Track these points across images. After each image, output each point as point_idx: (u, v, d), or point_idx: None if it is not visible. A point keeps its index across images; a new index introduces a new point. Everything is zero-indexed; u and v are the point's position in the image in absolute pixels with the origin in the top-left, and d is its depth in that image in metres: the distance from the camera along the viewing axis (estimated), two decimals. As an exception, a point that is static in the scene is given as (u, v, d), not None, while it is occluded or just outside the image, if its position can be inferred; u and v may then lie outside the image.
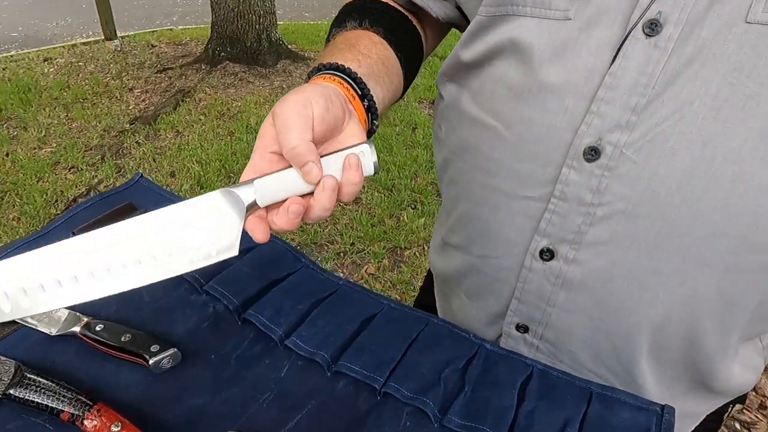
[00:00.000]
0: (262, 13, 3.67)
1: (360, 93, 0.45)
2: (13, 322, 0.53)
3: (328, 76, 0.45)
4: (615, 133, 0.42)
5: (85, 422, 0.42)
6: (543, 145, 0.45)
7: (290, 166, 0.39)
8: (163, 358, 0.48)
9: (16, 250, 0.64)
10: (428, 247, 2.12)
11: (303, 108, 0.39)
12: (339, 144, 0.42)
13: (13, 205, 2.34)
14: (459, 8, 0.57)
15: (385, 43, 0.54)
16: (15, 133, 2.98)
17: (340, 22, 0.57)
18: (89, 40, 4.62)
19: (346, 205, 2.36)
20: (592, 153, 0.43)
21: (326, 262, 2.05)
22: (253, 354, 0.53)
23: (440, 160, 0.60)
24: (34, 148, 2.81)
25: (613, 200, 0.44)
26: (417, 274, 2.01)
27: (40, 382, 0.45)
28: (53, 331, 0.51)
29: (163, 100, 3.34)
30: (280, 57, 3.84)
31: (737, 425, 1.52)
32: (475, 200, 0.53)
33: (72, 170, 2.63)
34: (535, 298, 0.52)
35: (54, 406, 0.43)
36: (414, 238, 2.18)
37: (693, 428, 0.60)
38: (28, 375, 0.45)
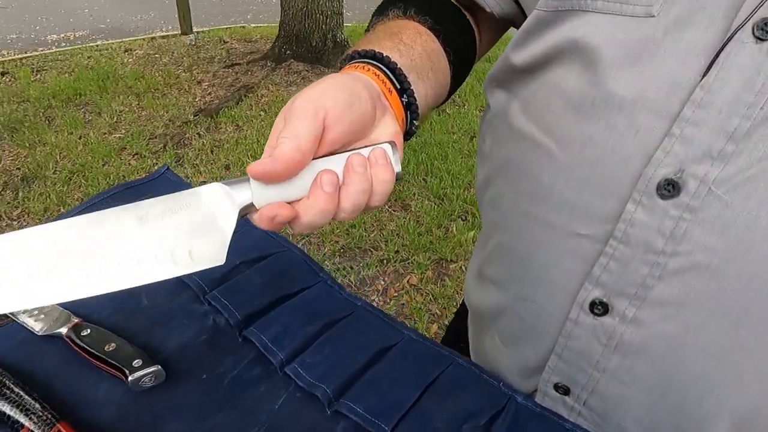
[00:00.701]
0: (329, 13, 3.68)
1: (398, 87, 0.39)
2: (5, 316, 0.50)
3: (361, 65, 0.39)
4: (703, 164, 0.33)
5: (42, 443, 0.37)
6: (604, 172, 0.36)
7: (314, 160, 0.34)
8: (144, 376, 0.43)
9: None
10: (476, 263, 2.02)
11: (312, 102, 0.33)
12: (369, 141, 0.35)
13: (79, 186, 2.45)
14: (517, 2, 0.49)
15: (431, 35, 0.47)
16: (90, 117, 3.13)
17: (381, 11, 0.50)
18: (167, 33, 4.84)
19: (394, 210, 2.29)
20: (669, 188, 0.34)
21: (368, 269, 1.99)
22: (250, 377, 0.47)
23: (481, 178, 0.52)
24: (105, 133, 2.95)
25: (693, 250, 0.34)
26: (461, 290, 1.91)
27: (12, 390, 0.40)
28: (39, 330, 0.47)
29: (228, 94, 3.42)
30: (344, 58, 3.84)
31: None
32: (514, 230, 0.44)
33: (136, 156, 2.72)
34: (580, 358, 0.42)
35: (17, 418, 0.38)
36: (461, 251, 2.08)
37: None
38: (5, 381, 0.41)
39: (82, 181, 2.48)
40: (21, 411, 0.39)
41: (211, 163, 2.64)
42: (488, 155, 0.49)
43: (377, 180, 0.34)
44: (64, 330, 0.46)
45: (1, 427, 0.40)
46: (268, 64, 3.78)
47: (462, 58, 0.51)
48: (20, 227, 2.16)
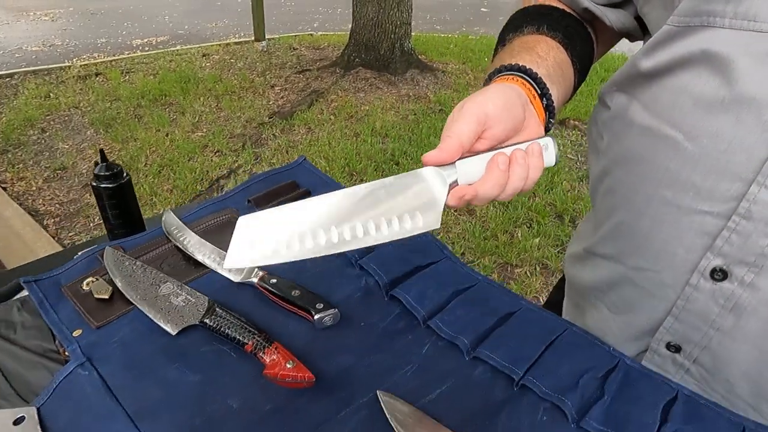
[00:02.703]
0: (398, 23, 3.81)
1: (540, 92, 0.48)
2: (203, 266, 0.62)
3: (510, 76, 0.48)
4: None
5: (265, 356, 0.48)
6: (732, 159, 0.44)
7: (485, 152, 0.44)
8: (325, 316, 0.54)
9: (204, 208, 0.75)
10: (540, 267, 2.07)
11: (477, 107, 0.43)
12: (520, 139, 0.45)
13: (168, 179, 2.67)
14: (637, 18, 0.57)
15: (561, 48, 0.56)
16: (175, 117, 3.39)
17: (516, 27, 0.59)
18: (241, 40, 5.13)
19: (460, 214, 2.37)
20: None
21: (435, 268, 2.07)
22: (397, 329, 0.58)
23: (597, 171, 0.60)
24: (188, 132, 3.18)
25: None
26: (526, 294, 1.96)
27: (228, 316, 0.52)
28: (237, 279, 0.59)
29: (299, 98, 3.61)
30: (410, 66, 3.97)
31: None
32: (637, 211, 0.53)
33: (217, 153, 2.93)
34: (697, 318, 0.50)
35: (240, 338, 0.50)
36: (526, 256, 2.14)
37: None
38: (218, 309, 0.54)
39: (171, 174, 2.71)
40: (244, 332, 0.50)
41: (288, 162, 2.80)
42: (605, 151, 0.58)
43: (532, 167, 0.44)
44: (255, 279, 0.58)
45: (226, 344, 0.52)
46: (337, 70, 3.95)
47: (583, 65, 0.60)
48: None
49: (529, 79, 0.49)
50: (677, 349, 0.53)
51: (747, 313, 0.47)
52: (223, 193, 0.78)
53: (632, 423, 0.47)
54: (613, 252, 0.58)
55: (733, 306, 0.47)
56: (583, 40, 0.60)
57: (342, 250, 0.40)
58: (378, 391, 0.49)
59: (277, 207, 0.42)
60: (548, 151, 0.44)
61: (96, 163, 0.79)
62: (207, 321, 0.52)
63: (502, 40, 0.61)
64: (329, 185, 0.82)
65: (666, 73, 0.49)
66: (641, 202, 0.52)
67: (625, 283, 0.56)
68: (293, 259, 0.40)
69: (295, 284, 0.57)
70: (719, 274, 0.47)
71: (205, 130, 3.21)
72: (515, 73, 0.49)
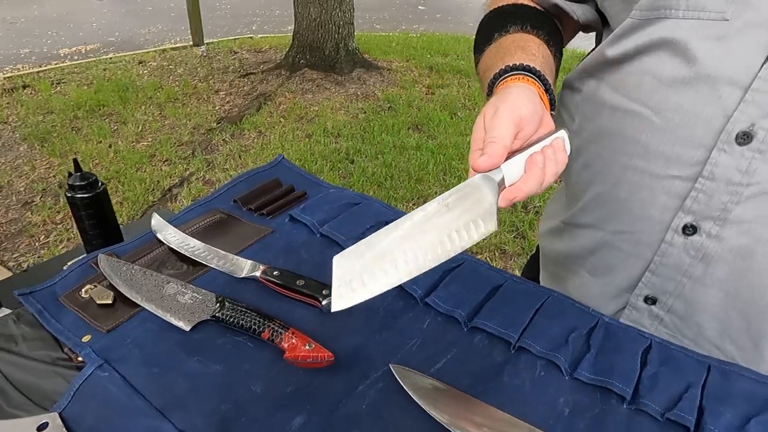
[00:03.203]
0: (341, 23, 3.84)
1: (545, 88, 0.53)
2: (202, 265, 0.64)
3: (522, 76, 0.52)
4: None
5: (283, 342, 0.51)
6: (694, 129, 0.51)
7: (525, 150, 0.47)
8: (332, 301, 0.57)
9: (190, 210, 0.75)
10: (499, 253, 2.16)
11: (512, 110, 0.46)
12: (540, 134, 0.49)
13: (116, 191, 2.57)
14: (599, 11, 0.64)
15: (544, 44, 0.61)
16: (116, 127, 3.26)
17: (500, 26, 0.63)
18: (178, 45, 4.98)
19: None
20: (745, 137, 0.48)
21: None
22: (398, 308, 0.61)
23: (571, 150, 0.66)
24: (133, 142, 3.08)
25: (762, 181, 0.49)
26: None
27: (239, 309, 0.54)
28: (240, 274, 0.61)
29: (246, 102, 3.56)
30: (355, 65, 4.00)
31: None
32: (613, 181, 0.59)
33: (166, 162, 2.85)
34: (672, 270, 0.57)
35: (256, 327, 0.52)
36: (485, 243, 2.23)
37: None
38: (227, 303, 0.55)
39: (119, 186, 2.61)
40: (259, 321, 0.53)
41: (241, 167, 2.77)
42: (578, 131, 0.64)
43: (559, 162, 0.47)
44: (257, 273, 0.60)
45: (241, 335, 0.54)
46: (283, 72, 3.93)
47: (560, 59, 0.65)
48: (64, 230, 2.28)
49: (536, 78, 0.53)
50: (654, 301, 0.60)
51: (714, 260, 0.54)
52: (207, 195, 0.79)
53: (617, 370, 0.53)
54: (592, 220, 0.64)
55: (703, 256, 0.54)
56: (558, 35, 0.66)
57: (428, 268, 0.43)
58: (390, 365, 0.53)
59: (363, 240, 0.45)
60: (565, 143, 0.49)
61: (69, 174, 0.78)
62: (219, 315, 0.54)
63: (488, 39, 0.64)
64: (310, 180, 0.85)
65: (631, 58, 0.55)
66: (617, 172, 0.58)
67: (605, 247, 0.63)
68: (390, 287, 0.43)
69: (297, 274, 0.60)
70: (690, 230, 0.54)
71: (150, 139, 3.12)
72: (525, 72, 0.53)
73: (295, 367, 0.51)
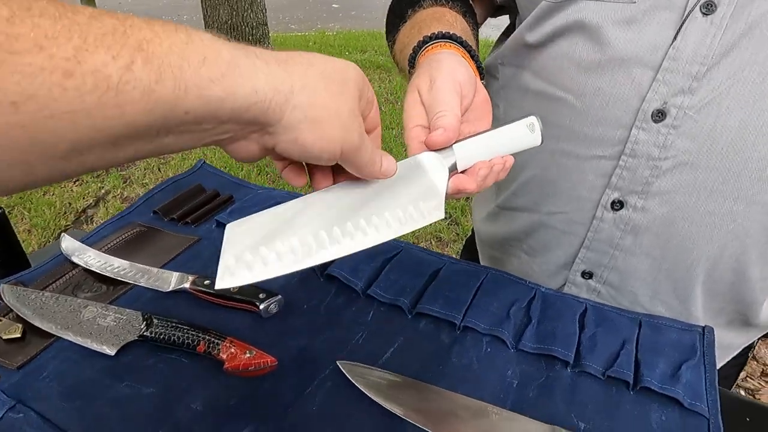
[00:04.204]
0: (254, 24, 3.74)
1: (470, 54, 0.50)
2: (124, 283, 0.59)
3: (443, 43, 0.50)
4: (678, 97, 0.49)
5: (221, 353, 0.48)
6: (613, 110, 0.52)
7: (485, 132, 0.43)
8: (271, 303, 0.54)
9: (103, 228, 0.70)
10: (435, 241, 2.19)
11: (449, 78, 0.43)
12: (476, 103, 0.46)
13: (22, 218, 2.36)
14: None
15: (462, 18, 0.60)
16: (15, 149, 2.99)
17: (414, 2, 0.62)
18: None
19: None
20: (659, 115, 0.50)
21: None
22: (339, 304, 0.60)
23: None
24: (36, 163, 2.83)
25: (677, 154, 0.51)
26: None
27: (169, 324, 0.51)
28: (166, 288, 0.57)
29: (161, 112, 3.38)
30: (273, 67, 3.91)
31: (742, 392, 1.61)
32: (543, 165, 0.60)
33: (77, 183, 2.65)
34: (605, 244, 0.59)
35: (190, 341, 0.49)
36: (421, 233, 2.25)
37: (727, 360, 0.68)
38: (155, 320, 0.51)
39: (24, 212, 2.39)
40: (192, 335, 0.49)
41: (161, 180, 2.63)
42: (502, 117, 0.65)
43: (499, 178, 0.44)
44: (186, 285, 0.57)
45: (173, 351, 0.50)
46: (198, 79, 3.77)
47: (476, 35, 0.65)
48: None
49: (459, 44, 0.51)
50: (590, 275, 0.62)
51: (641, 231, 0.56)
52: (123, 213, 0.73)
53: (558, 336, 0.55)
54: (526, 203, 0.65)
55: (631, 228, 0.57)
56: (473, 14, 0.66)
57: (346, 254, 0.36)
58: (337, 362, 0.51)
59: (267, 210, 0.37)
60: (534, 131, 0.44)
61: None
62: (147, 334, 0.50)
63: (401, 16, 0.63)
64: (235, 183, 0.81)
65: (549, 43, 0.56)
66: (546, 156, 0.60)
67: (540, 228, 0.64)
68: (296, 269, 0.34)
69: (231, 281, 0.56)
70: (617, 205, 0.56)
71: (56, 159, 2.88)
72: (446, 40, 0.50)
73: (237, 378, 0.48)
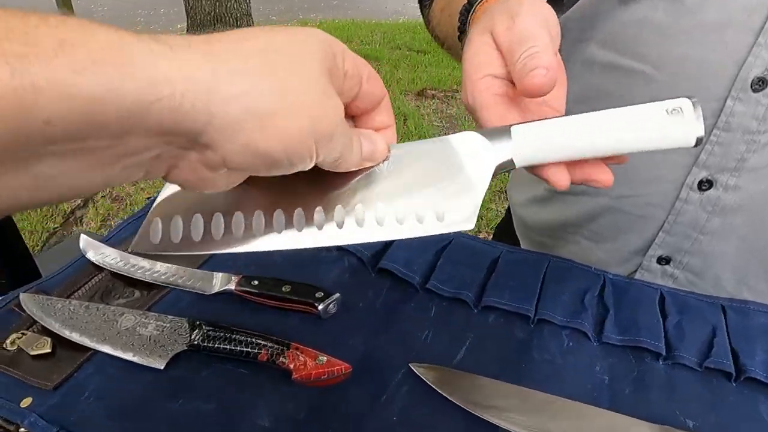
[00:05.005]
0: (238, 15, 3.64)
1: None
2: (158, 286, 0.53)
3: None
4: None
5: (287, 361, 0.42)
6: (702, 81, 0.48)
7: (573, 115, 0.30)
8: (330, 303, 0.49)
9: (126, 227, 0.63)
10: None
11: (537, 14, 0.33)
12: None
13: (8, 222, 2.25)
14: None
15: None
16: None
17: None
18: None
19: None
20: (760, 83, 0.46)
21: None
22: (395, 299, 0.55)
23: None
24: None
25: None
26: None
27: (222, 331, 0.45)
28: (211, 290, 0.51)
29: (146, 108, 3.27)
30: (259, 59, 3.82)
31: None
32: None
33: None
34: (688, 227, 0.55)
35: (250, 349, 0.43)
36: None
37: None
38: (204, 327, 0.46)
39: (10, 216, 2.28)
40: (252, 342, 0.44)
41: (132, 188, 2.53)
42: None
43: None
44: (232, 286, 0.51)
45: (229, 361, 0.45)
46: (181, 73, 3.66)
47: None
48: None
49: None
50: (667, 261, 0.58)
51: (732, 211, 0.52)
52: (123, 212, 0.67)
53: (641, 326, 0.51)
54: (588, 188, 0.60)
55: (720, 209, 0.52)
56: None
57: (332, 244, 0.30)
58: (410, 364, 0.46)
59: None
60: (688, 117, 0.30)
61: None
62: (198, 342, 0.44)
63: None
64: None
65: (621, 8, 0.51)
66: None
67: (607, 212, 0.60)
68: (236, 250, 0.28)
69: (281, 280, 0.51)
70: (705, 185, 0.52)
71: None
72: None
73: (304, 388, 0.43)
